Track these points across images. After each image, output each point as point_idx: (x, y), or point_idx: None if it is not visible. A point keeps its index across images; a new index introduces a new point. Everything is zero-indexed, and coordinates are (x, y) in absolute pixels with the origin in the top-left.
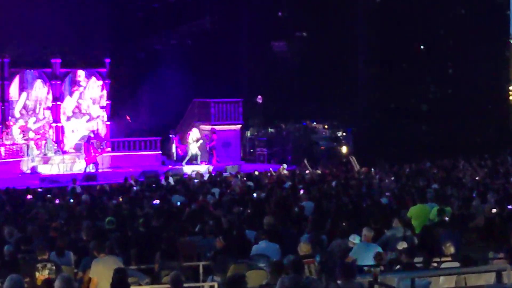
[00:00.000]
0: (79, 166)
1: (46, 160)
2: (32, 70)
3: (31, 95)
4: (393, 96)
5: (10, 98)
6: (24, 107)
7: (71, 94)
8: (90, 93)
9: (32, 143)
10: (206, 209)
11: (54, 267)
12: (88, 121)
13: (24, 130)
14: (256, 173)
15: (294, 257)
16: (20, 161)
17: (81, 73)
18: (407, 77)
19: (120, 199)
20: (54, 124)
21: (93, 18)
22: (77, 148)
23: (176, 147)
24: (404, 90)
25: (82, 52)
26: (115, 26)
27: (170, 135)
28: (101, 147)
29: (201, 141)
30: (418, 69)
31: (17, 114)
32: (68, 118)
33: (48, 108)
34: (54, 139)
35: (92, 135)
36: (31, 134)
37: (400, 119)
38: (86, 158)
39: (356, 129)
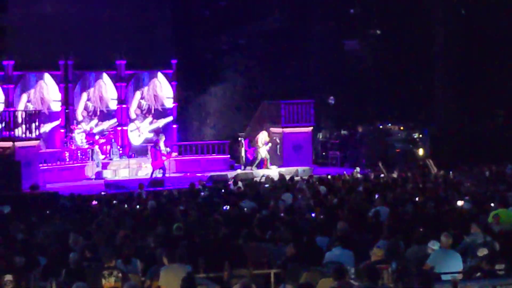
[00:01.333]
0: (146, 171)
1: (111, 165)
2: (94, 72)
3: (91, 97)
4: (472, 95)
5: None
6: (85, 108)
7: (134, 95)
8: (154, 94)
9: (97, 148)
10: (277, 215)
11: (120, 274)
12: (151, 123)
13: (88, 134)
14: (329, 177)
15: (369, 264)
16: (84, 166)
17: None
18: (487, 74)
19: (187, 205)
20: (119, 128)
21: (158, 18)
22: (140, 151)
23: (245, 151)
24: (483, 87)
25: (148, 53)
26: (181, 25)
27: (239, 138)
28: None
29: (270, 144)
30: (498, 65)
31: (79, 117)
32: (132, 120)
33: (112, 110)
34: (120, 143)
35: (159, 139)
36: (96, 137)
37: (479, 119)
38: (153, 163)
39: (433, 130)
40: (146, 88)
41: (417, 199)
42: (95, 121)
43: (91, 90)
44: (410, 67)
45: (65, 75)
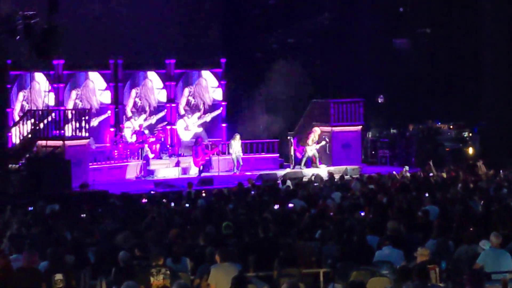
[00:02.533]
0: (195, 169)
1: (155, 163)
2: (143, 71)
3: (140, 93)
4: None
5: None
6: (134, 105)
7: (182, 92)
8: (201, 91)
9: (146, 146)
10: (327, 214)
11: (168, 272)
12: (199, 117)
13: (137, 133)
14: (379, 176)
15: (419, 264)
16: (134, 165)
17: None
18: None
19: (236, 204)
20: (168, 127)
21: (207, 16)
22: (186, 147)
23: (294, 150)
24: None
25: (197, 52)
26: (231, 24)
27: (288, 137)
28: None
29: (323, 142)
30: None
31: (128, 114)
32: (181, 117)
33: (161, 106)
34: (169, 142)
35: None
36: (145, 132)
37: None
38: (194, 160)
39: (483, 128)
40: (193, 86)
41: (467, 198)
42: (144, 116)
43: (139, 87)
44: (460, 65)
45: (115, 74)
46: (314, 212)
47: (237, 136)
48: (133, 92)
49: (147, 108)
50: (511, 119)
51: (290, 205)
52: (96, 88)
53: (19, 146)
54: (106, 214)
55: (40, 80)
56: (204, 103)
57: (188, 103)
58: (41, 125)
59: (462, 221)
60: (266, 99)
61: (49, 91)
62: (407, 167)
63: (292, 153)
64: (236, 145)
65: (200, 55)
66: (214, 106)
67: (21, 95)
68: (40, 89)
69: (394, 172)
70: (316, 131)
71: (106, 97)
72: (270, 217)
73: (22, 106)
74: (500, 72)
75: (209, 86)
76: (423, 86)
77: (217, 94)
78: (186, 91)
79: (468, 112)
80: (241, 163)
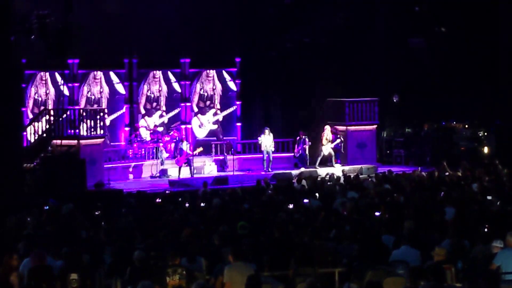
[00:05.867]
0: (209, 168)
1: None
2: (158, 71)
3: (152, 89)
4: None
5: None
6: (147, 100)
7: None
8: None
9: (161, 146)
10: (342, 214)
11: (184, 272)
12: (214, 114)
13: (153, 132)
14: (394, 175)
15: (434, 264)
16: (149, 164)
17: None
18: None
19: (251, 203)
20: (183, 126)
21: (222, 16)
22: (205, 147)
23: (298, 147)
24: None
25: (212, 51)
26: (246, 24)
27: (303, 137)
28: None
29: (338, 140)
30: None
31: (142, 111)
32: (195, 114)
33: (175, 101)
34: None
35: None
36: (160, 129)
37: None
38: (176, 159)
39: (498, 127)
40: (201, 82)
41: (483, 197)
42: (159, 112)
43: (151, 83)
44: (475, 64)
45: (130, 73)
46: (329, 211)
47: (267, 131)
48: (145, 88)
49: (162, 104)
50: None
51: (306, 200)
52: (110, 81)
53: (34, 145)
54: (121, 213)
55: (53, 75)
56: (217, 98)
57: (201, 98)
58: (57, 120)
59: (478, 220)
60: (280, 98)
61: (63, 84)
62: (419, 168)
63: (307, 152)
64: (266, 139)
65: (215, 54)
66: (227, 102)
67: (32, 90)
68: (53, 83)
69: (416, 171)
70: (327, 129)
71: (121, 87)
72: (285, 217)
73: (34, 100)
74: None
75: (222, 79)
76: (438, 85)
77: (231, 85)
78: (198, 87)
79: (484, 111)
80: (271, 159)
